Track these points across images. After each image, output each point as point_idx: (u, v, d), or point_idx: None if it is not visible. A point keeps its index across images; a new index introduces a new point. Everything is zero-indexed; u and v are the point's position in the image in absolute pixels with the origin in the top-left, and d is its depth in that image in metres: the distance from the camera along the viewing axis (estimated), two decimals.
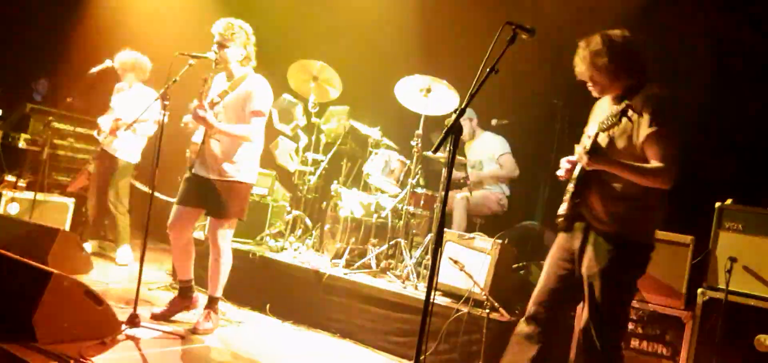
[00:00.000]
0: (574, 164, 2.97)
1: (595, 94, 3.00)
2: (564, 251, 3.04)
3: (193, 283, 4.31)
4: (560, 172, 3.05)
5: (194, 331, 4.01)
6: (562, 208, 2.98)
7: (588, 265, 2.90)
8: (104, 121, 5.80)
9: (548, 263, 3.12)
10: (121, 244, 5.87)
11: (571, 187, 2.93)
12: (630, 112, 2.68)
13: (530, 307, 3.09)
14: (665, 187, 2.78)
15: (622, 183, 2.82)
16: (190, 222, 4.21)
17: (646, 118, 2.74)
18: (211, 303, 4.18)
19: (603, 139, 2.82)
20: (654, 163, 2.74)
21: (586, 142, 2.82)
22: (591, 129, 2.97)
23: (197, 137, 4.12)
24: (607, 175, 2.83)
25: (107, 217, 5.97)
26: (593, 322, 2.87)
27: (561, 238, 3.08)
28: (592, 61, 2.88)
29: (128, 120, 5.43)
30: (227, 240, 4.16)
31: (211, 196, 4.06)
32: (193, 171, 4.11)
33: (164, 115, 3.89)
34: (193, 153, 4.13)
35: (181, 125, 4.52)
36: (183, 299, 4.27)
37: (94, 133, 5.89)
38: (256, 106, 4.06)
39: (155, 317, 4.08)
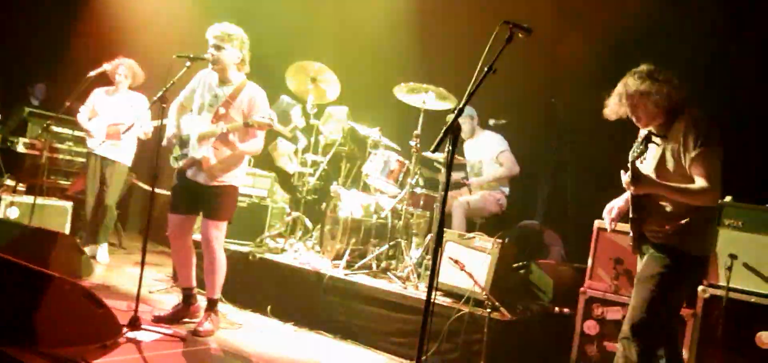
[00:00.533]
0: (618, 212, 3.17)
1: (640, 126, 3.12)
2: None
3: (195, 290, 4.29)
4: (608, 227, 3.21)
5: (195, 333, 4.01)
6: (631, 239, 3.11)
7: (640, 271, 3.07)
8: (95, 126, 5.79)
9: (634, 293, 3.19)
10: (103, 242, 5.89)
11: (631, 213, 3.06)
12: (653, 138, 2.93)
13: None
14: (711, 204, 2.96)
15: (672, 202, 2.96)
16: (188, 229, 4.22)
17: (691, 140, 2.89)
18: (211, 305, 4.18)
19: (649, 164, 2.98)
20: (699, 183, 2.88)
21: (625, 174, 2.94)
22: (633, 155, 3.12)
23: (195, 151, 4.08)
24: (658, 195, 2.98)
25: (106, 219, 5.95)
26: (630, 325, 2.96)
27: (639, 264, 3.19)
28: (637, 103, 3.01)
29: (126, 123, 5.44)
30: (221, 241, 4.16)
31: (206, 199, 4.08)
32: (186, 176, 4.10)
33: (164, 117, 3.90)
34: (188, 164, 4.11)
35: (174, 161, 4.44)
36: (186, 306, 4.26)
37: (87, 138, 5.87)
38: (263, 119, 4.05)
39: (158, 319, 4.08)
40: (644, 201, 3.01)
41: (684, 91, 3.00)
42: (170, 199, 4.23)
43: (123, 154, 5.87)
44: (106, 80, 5.91)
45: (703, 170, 2.87)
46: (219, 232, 4.12)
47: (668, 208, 2.98)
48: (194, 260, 4.29)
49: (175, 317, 4.17)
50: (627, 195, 3.10)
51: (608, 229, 3.25)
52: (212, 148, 4.02)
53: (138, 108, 5.74)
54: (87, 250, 5.71)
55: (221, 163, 4.06)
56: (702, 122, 2.92)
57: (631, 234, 3.10)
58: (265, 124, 3.97)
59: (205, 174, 4.06)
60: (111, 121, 5.75)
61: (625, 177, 2.93)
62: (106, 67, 5.79)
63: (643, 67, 3.04)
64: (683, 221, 2.94)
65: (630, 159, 2.92)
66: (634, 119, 3.11)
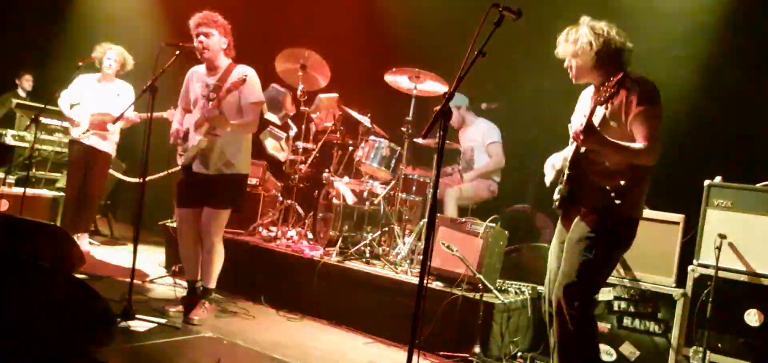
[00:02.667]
0: (558, 169, 3.11)
1: (571, 77, 3.10)
2: (563, 241, 3.09)
3: (201, 282, 4.24)
4: (549, 177, 3.16)
5: (189, 321, 4.01)
6: (559, 192, 3.06)
7: (571, 234, 3.00)
8: (78, 114, 5.68)
9: (551, 257, 3.18)
10: (84, 232, 5.84)
11: (565, 171, 3.02)
12: (627, 83, 2.85)
13: (545, 307, 3.18)
14: (650, 164, 2.91)
15: (612, 161, 2.93)
16: (196, 223, 4.16)
17: (634, 98, 2.86)
18: (206, 294, 4.18)
19: (597, 118, 2.89)
20: (640, 142, 2.85)
21: (577, 123, 2.88)
22: (576, 118, 3.06)
23: (194, 140, 4.06)
24: (597, 156, 2.94)
25: (89, 209, 5.87)
26: (563, 287, 2.93)
27: (559, 226, 3.17)
28: (576, 52, 2.98)
29: (114, 113, 5.37)
30: (221, 233, 4.15)
31: (213, 190, 4.07)
32: (192, 170, 4.09)
33: (153, 108, 3.87)
34: (190, 155, 4.09)
35: (171, 142, 4.39)
36: (193, 298, 4.22)
37: (71, 128, 5.74)
38: (253, 97, 4.06)
39: (168, 314, 4.06)
40: (582, 159, 2.97)
41: (627, 58, 2.97)
42: (176, 193, 4.23)
43: (107, 143, 5.77)
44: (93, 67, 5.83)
45: (644, 129, 2.84)
46: (218, 220, 4.10)
47: (606, 167, 2.94)
48: (200, 255, 4.23)
49: (184, 310, 4.14)
50: (565, 153, 3.08)
51: (548, 182, 3.18)
52: (207, 133, 4.00)
53: (125, 97, 5.68)
54: (83, 240, 5.71)
55: (220, 148, 4.04)
56: (644, 82, 2.90)
57: (561, 190, 3.04)
58: (239, 82, 3.91)
59: (208, 163, 4.03)
60: (97, 110, 5.64)
61: (574, 128, 2.88)
62: (95, 54, 5.72)
63: (600, 25, 2.97)
64: (621, 182, 2.90)
65: (594, 104, 2.86)
66: (567, 67, 3.07)
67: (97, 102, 5.70)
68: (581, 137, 2.83)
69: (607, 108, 2.88)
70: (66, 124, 6.12)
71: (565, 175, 3.03)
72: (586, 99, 3.18)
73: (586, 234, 2.93)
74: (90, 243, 6.08)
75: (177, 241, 4.37)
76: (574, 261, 2.93)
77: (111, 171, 6.31)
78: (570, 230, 3.03)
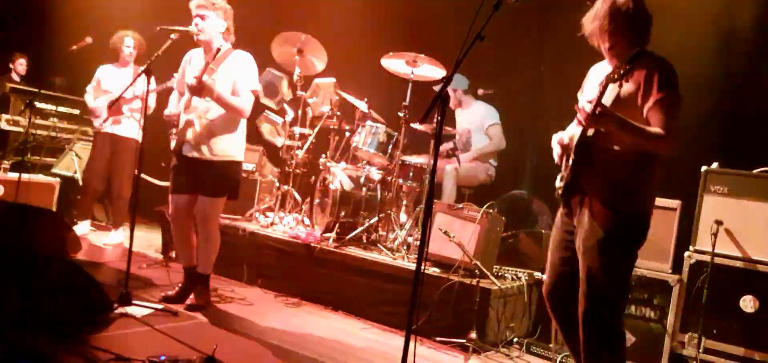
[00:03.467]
0: (565, 145, 2.89)
1: (603, 48, 2.84)
2: (565, 231, 2.92)
3: (198, 269, 4.21)
4: (557, 153, 2.91)
5: (187, 307, 4.01)
6: (561, 179, 2.86)
7: (585, 236, 2.75)
8: (100, 104, 5.71)
9: (552, 247, 2.98)
10: (121, 226, 5.85)
11: (571, 155, 2.80)
12: (646, 61, 2.63)
13: (547, 300, 2.99)
14: (666, 154, 2.71)
15: (622, 148, 2.70)
16: (189, 209, 4.11)
17: (654, 82, 2.64)
18: (203, 280, 4.17)
19: (609, 97, 2.69)
20: (658, 129, 2.64)
21: (587, 104, 2.71)
22: (585, 96, 2.89)
23: (184, 119, 4.04)
24: (607, 141, 2.71)
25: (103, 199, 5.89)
26: (593, 298, 2.72)
27: (561, 217, 2.96)
28: (607, 21, 2.74)
29: (127, 97, 5.38)
30: (216, 220, 4.13)
31: (207, 177, 4.01)
32: (183, 154, 4.04)
33: (149, 90, 3.84)
34: (180, 135, 4.05)
35: (166, 116, 4.37)
36: (191, 284, 4.19)
37: (93, 119, 5.81)
38: (249, 83, 4.02)
39: (166, 299, 4.05)
40: (591, 144, 2.73)
41: (650, 34, 2.78)
42: (171, 179, 4.15)
43: (128, 128, 5.76)
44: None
45: (663, 117, 2.62)
46: (214, 208, 4.06)
47: (616, 154, 2.70)
48: (195, 241, 4.20)
49: (182, 296, 4.14)
50: (571, 131, 2.86)
51: (556, 158, 2.94)
52: (205, 120, 3.96)
53: (141, 82, 5.64)
54: (84, 226, 5.71)
55: (213, 131, 3.99)
56: (665, 63, 2.68)
57: (565, 177, 2.80)
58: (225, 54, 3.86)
59: (201, 146, 3.98)
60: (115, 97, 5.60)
61: (583, 108, 2.65)
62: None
63: None
64: (632, 172, 2.70)
65: (606, 81, 2.63)
66: (599, 43, 2.81)
67: (115, 90, 5.68)
68: (593, 116, 2.61)
69: (620, 86, 2.64)
70: (65, 109, 6.11)
71: (570, 161, 2.79)
72: (597, 75, 2.93)
73: (601, 237, 2.69)
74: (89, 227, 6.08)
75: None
76: (599, 272, 2.69)
77: (144, 175, 6.28)
78: (582, 231, 2.77)
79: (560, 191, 2.87)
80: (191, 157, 4.01)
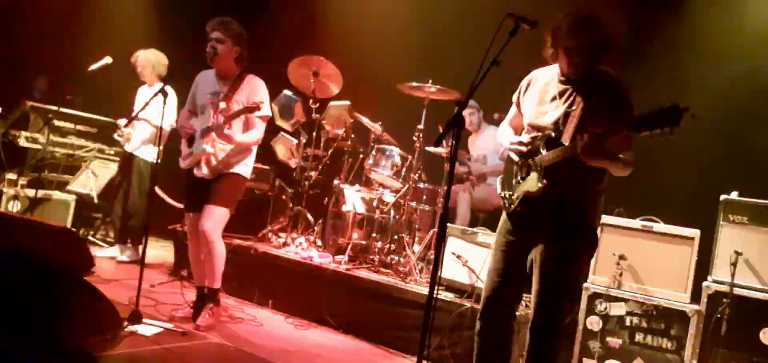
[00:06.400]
0: (525, 144, 2.90)
1: (571, 73, 2.82)
2: (512, 236, 2.95)
3: (206, 285, 4.20)
4: (515, 153, 2.95)
5: (197, 327, 3.99)
6: (515, 202, 2.91)
7: (543, 252, 2.83)
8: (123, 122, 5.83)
9: (495, 255, 3.02)
10: (122, 243, 5.85)
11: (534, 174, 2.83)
12: (608, 80, 2.75)
13: (479, 316, 3.05)
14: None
15: (589, 170, 2.74)
16: None
17: (628, 113, 2.68)
18: (213, 295, 4.15)
19: (571, 125, 2.72)
20: (629, 156, 2.73)
21: (540, 115, 2.82)
22: (533, 107, 2.92)
23: (198, 148, 4.06)
24: (578, 168, 2.71)
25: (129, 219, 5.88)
26: (550, 303, 2.83)
27: (506, 223, 2.98)
28: (597, 36, 2.74)
29: (154, 119, 5.45)
30: (219, 231, 4.12)
31: (210, 189, 4.08)
32: (194, 175, 4.11)
33: (164, 111, 3.88)
34: (193, 160, 4.11)
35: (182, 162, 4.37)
36: (202, 303, 4.19)
37: (115, 135, 5.91)
38: (261, 111, 4.04)
39: (178, 319, 4.06)
40: (559, 170, 2.75)
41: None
42: (184, 197, 4.25)
43: (140, 148, 5.80)
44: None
45: (630, 145, 2.70)
46: (214, 219, 4.06)
47: (585, 178, 2.77)
48: None
49: (193, 315, 4.13)
50: (513, 136, 2.99)
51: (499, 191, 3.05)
52: (212, 144, 3.99)
53: (158, 101, 5.72)
54: (111, 250, 5.76)
55: (223, 158, 4.06)
56: (629, 89, 2.76)
57: (515, 201, 2.90)
58: (253, 107, 3.92)
59: (208, 170, 4.06)
60: (144, 117, 5.62)
61: (582, 143, 2.60)
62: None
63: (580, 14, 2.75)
64: (593, 190, 2.82)
65: (565, 110, 2.72)
66: (566, 64, 2.80)
67: (137, 108, 5.75)
68: (582, 157, 2.61)
69: (578, 104, 2.73)
70: (82, 127, 6.16)
71: (543, 179, 2.79)
72: (540, 86, 2.95)
73: (562, 252, 2.81)
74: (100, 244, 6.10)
75: (185, 245, 4.37)
76: (557, 283, 2.82)
77: (159, 192, 6.31)
78: (540, 247, 2.85)
79: (514, 214, 2.93)
80: (200, 178, 4.09)
